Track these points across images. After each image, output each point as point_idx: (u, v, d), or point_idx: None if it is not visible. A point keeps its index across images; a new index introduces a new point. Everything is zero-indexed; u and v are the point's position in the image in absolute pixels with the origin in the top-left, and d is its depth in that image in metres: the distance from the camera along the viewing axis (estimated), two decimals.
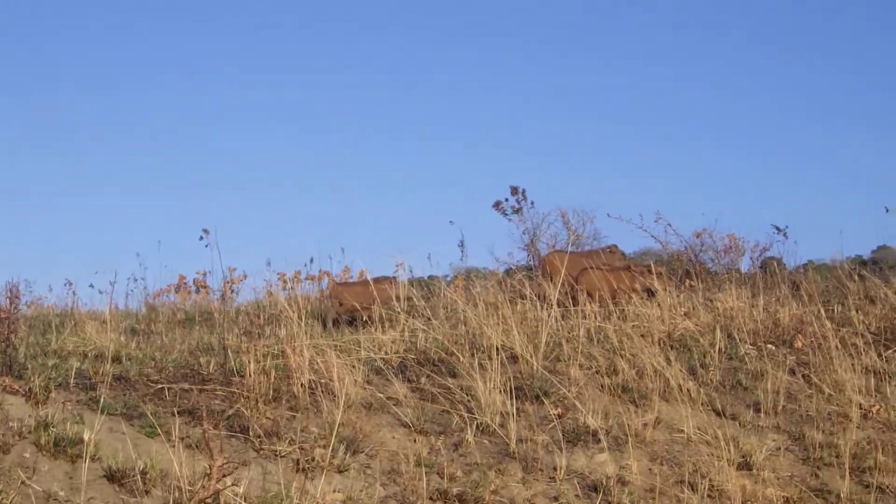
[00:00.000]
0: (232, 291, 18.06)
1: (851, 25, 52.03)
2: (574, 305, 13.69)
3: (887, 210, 18.49)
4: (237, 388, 10.41)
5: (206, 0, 51.06)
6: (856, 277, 16.14)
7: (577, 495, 10.04)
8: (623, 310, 13.94)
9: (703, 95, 50.86)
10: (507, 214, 19.21)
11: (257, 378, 10.46)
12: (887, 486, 10.98)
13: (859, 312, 14.68)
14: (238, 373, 10.70)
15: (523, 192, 19.21)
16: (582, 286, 14.92)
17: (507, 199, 19.16)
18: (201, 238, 14.23)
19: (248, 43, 50.67)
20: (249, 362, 10.58)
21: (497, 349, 11.62)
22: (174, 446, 8.94)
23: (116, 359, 10.98)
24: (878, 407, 12.32)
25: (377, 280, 15.45)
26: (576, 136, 48.67)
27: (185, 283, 19.20)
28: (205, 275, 18.93)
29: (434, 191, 44.59)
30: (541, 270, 15.87)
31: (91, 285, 17.41)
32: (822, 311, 13.98)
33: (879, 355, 13.33)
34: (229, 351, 11.03)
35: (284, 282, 18.27)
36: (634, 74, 51.47)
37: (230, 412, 9.96)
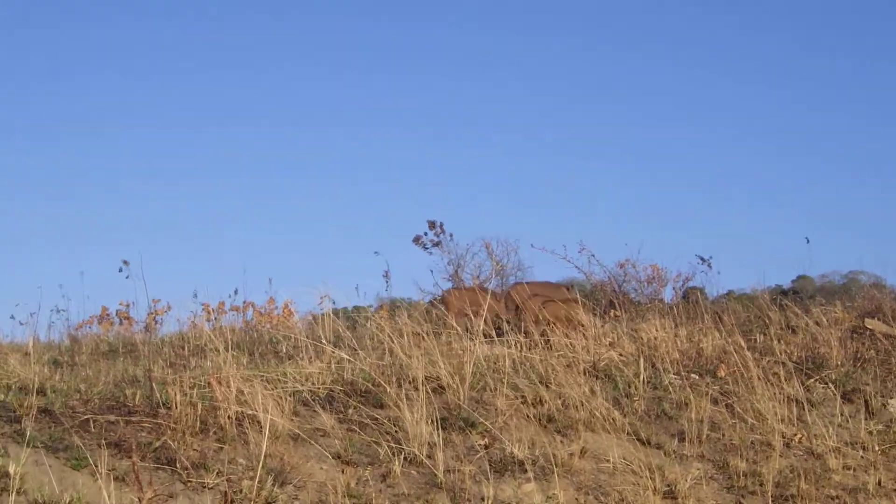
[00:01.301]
0: (156, 322, 17.94)
1: (771, 48, 52.78)
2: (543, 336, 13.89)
3: (808, 240, 18.87)
4: (164, 420, 10.34)
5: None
6: (776, 307, 16.35)
7: None
8: (548, 340, 14.02)
9: (623, 123, 51.43)
10: (426, 248, 19.33)
11: (184, 410, 10.39)
12: None
13: (781, 342, 14.87)
14: (164, 405, 10.63)
15: (441, 225, 19.36)
16: (547, 316, 14.97)
17: (425, 234, 19.29)
18: (121, 270, 14.13)
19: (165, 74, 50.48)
20: (176, 394, 10.51)
21: (423, 380, 11.65)
22: (101, 479, 8.88)
23: (41, 391, 10.84)
24: (800, 435, 12.49)
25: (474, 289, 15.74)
26: (499, 168, 48.98)
27: (108, 315, 19.03)
28: (128, 306, 18.79)
29: (360, 223, 44.70)
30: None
31: (12, 317, 17.17)
32: (744, 341, 14.12)
33: (801, 384, 13.50)
34: (155, 383, 10.95)
35: (209, 313, 18.19)
36: (551, 102, 51.91)
37: (157, 444, 9.90)
